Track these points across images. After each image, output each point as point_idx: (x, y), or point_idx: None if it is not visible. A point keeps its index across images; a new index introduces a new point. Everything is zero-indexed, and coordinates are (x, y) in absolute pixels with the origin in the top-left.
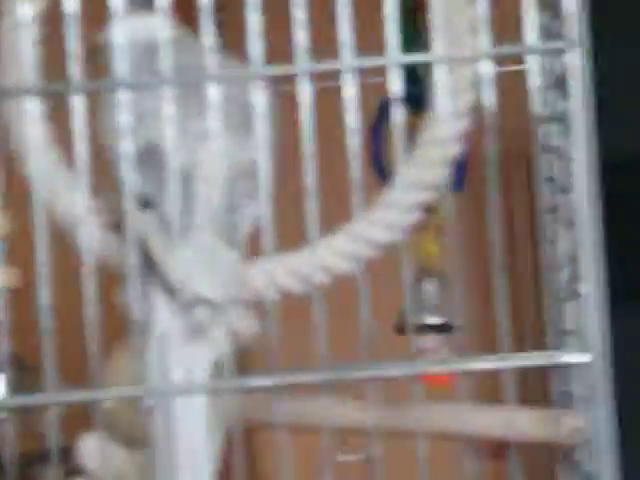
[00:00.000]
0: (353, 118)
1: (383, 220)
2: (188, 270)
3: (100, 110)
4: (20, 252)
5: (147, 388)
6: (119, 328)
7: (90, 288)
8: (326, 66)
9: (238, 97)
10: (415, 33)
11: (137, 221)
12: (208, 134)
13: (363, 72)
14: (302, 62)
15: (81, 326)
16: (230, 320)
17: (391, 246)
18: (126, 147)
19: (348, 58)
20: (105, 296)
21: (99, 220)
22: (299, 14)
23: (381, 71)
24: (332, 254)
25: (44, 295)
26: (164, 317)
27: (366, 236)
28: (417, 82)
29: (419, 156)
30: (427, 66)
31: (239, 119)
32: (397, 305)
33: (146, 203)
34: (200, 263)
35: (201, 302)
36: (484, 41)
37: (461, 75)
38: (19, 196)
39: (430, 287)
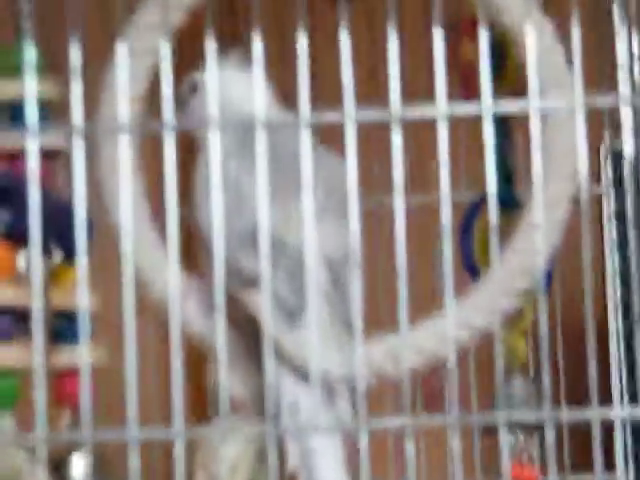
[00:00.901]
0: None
1: (480, 306)
2: (309, 347)
3: (198, 190)
4: (108, 330)
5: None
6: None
7: (177, 366)
8: None
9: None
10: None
11: (246, 301)
12: (315, 214)
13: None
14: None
15: (169, 412)
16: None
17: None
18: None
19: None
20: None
21: (196, 298)
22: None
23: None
24: (428, 337)
25: (131, 375)
26: (291, 391)
27: (462, 320)
28: (510, 182)
29: (509, 260)
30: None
31: (342, 202)
32: (488, 400)
33: (254, 282)
34: (319, 340)
35: (325, 378)
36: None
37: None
38: (110, 271)
39: (518, 384)
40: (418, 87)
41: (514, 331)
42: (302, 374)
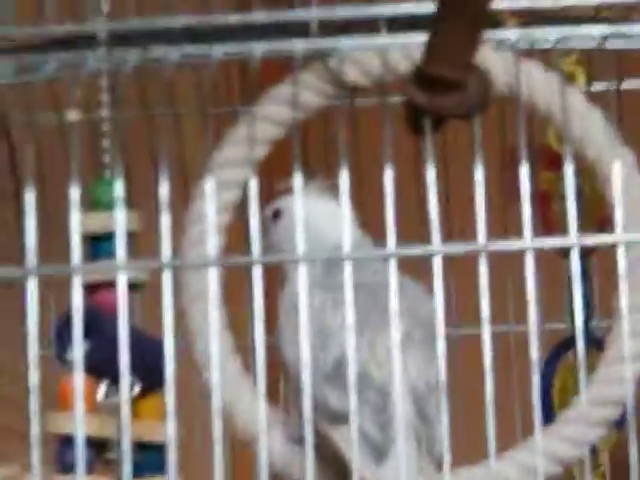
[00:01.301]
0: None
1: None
2: None
3: (283, 323)
4: (195, 462)
5: None
6: None
7: None
8: None
9: (420, 310)
10: None
11: (333, 437)
12: (399, 348)
13: None
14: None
15: None
16: None
17: None
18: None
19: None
20: None
21: (283, 433)
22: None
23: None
24: (515, 469)
25: None
26: None
27: (550, 451)
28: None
29: (595, 391)
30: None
31: (426, 331)
32: None
33: (340, 418)
34: (406, 477)
35: None
36: None
37: None
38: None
39: None
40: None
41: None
42: None
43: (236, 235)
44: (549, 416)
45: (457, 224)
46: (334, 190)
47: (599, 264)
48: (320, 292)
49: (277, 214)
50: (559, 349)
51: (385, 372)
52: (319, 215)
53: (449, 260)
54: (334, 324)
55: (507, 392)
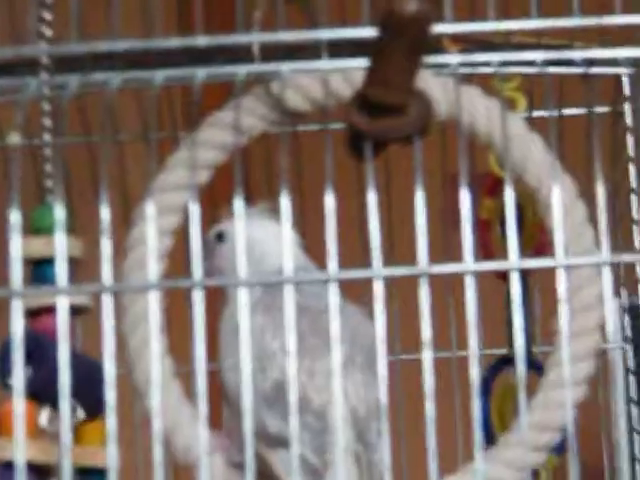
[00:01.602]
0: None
1: (508, 461)
2: None
3: (223, 346)
4: None
5: None
6: None
7: None
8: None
9: (362, 335)
10: None
11: (272, 461)
12: (340, 372)
13: None
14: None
15: None
16: None
17: None
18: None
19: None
20: None
21: (224, 458)
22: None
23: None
24: None
25: None
26: None
27: (491, 475)
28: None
29: (535, 415)
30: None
31: (367, 356)
32: None
33: (279, 442)
34: None
35: None
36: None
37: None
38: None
39: None
40: (431, 240)
41: None
42: None
43: (182, 260)
44: (489, 436)
45: (400, 249)
46: (277, 214)
47: (543, 294)
48: (261, 315)
49: (220, 237)
50: (495, 368)
51: (324, 396)
52: (262, 237)
53: (393, 286)
54: (274, 347)
55: (449, 417)
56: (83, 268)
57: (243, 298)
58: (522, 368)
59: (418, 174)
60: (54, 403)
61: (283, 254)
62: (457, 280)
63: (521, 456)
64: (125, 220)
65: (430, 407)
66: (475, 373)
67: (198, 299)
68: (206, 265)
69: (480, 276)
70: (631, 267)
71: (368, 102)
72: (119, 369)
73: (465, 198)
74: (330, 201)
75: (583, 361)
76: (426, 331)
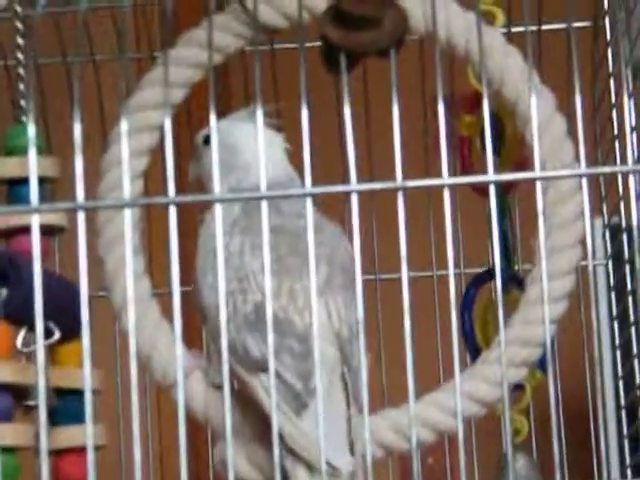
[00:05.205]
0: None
1: (486, 378)
2: (314, 438)
3: (200, 266)
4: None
5: None
6: None
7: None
8: None
9: (341, 256)
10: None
11: (252, 385)
12: (321, 290)
13: None
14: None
15: None
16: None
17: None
18: (232, 308)
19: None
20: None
21: (203, 379)
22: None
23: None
24: (435, 410)
25: (137, 455)
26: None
27: (469, 393)
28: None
29: (514, 332)
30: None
31: (346, 276)
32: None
33: (260, 365)
34: (325, 429)
35: (331, 470)
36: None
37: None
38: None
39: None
40: (413, 159)
41: (515, 409)
42: (307, 464)
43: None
44: (475, 351)
45: (381, 167)
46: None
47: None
48: (239, 235)
49: (207, 140)
50: (477, 280)
51: (307, 319)
52: (245, 144)
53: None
54: (254, 268)
55: (432, 336)
56: (60, 188)
57: (218, 216)
58: (499, 282)
59: (394, 88)
60: (31, 325)
61: (269, 162)
62: (438, 200)
63: (499, 373)
64: (102, 141)
65: (407, 323)
66: (452, 288)
67: (172, 216)
68: (196, 170)
69: (465, 197)
70: (614, 187)
71: (342, 14)
72: (99, 291)
73: (441, 111)
74: (305, 116)
75: (563, 277)
76: (402, 246)
